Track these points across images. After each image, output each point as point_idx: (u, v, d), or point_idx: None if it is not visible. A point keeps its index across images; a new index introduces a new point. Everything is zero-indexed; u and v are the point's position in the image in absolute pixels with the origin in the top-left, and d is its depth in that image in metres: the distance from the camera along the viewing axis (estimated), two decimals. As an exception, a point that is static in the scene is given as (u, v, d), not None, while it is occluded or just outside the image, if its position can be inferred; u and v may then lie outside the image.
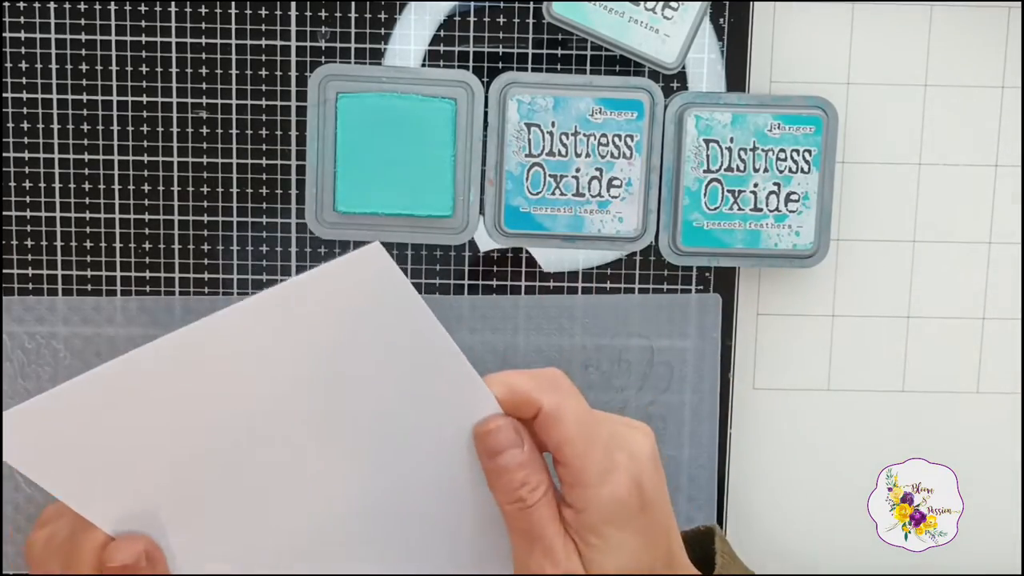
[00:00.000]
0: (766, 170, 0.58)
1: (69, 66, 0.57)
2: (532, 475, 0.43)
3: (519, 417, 0.44)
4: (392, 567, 0.46)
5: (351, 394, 0.43)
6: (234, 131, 0.58)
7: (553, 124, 0.57)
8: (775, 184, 0.58)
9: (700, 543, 0.50)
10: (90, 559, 0.43)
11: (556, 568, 0.43)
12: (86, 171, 0.58)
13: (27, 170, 0.58)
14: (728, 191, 0.58)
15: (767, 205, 0.58)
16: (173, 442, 0.42)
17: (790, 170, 0.58)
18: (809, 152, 0.58)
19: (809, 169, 0.58)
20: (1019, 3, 0.60)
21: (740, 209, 0.58)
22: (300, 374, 0.42)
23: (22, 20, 0.57)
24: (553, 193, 0.58)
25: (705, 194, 0.58)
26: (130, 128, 0.58)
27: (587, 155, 0.58)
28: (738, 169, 0.58)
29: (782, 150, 0.58)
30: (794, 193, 0.58)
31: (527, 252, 0.60)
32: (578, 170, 0.58)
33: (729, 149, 0.58)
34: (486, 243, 0.59)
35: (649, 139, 0.58)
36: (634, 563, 0.44)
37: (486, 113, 0.57)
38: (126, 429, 0.41)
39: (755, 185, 0.58)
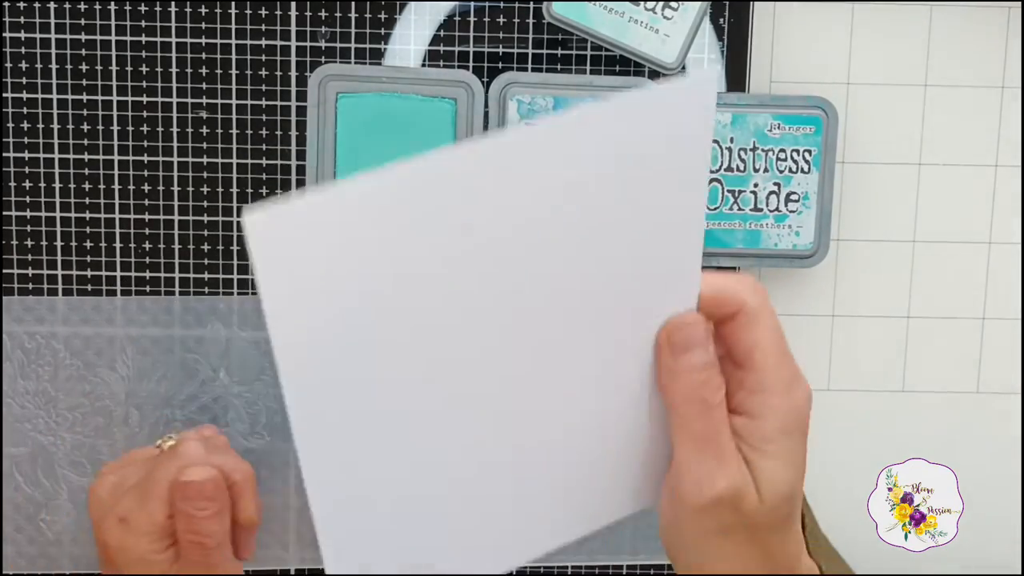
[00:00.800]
0: (766, 170, 0.58)
1: (69, 66, 0.57)
2: (714, 376, 0.42)
3: (713, 318, 0.42)
4: (543, 446, 0.41)
5: (588, 243, 0.39)
6: (234, 131, 0.58)
7: (553, 124, 0.57)
8: (775, 184, 0.58)
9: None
10: (164, 491, 0.50)
11: (726, 475, 0.41)
12: (86, 171, 0.58)
13: (27, 170, 0.58)
14: (728, 191, 0.58)
15: (767, 205, 0.58)
16: (403, 282, 0.36)
17: (790, 170, 0.58)
18: (809, 152, 0.58)
19: (809, 169, 0.58)
20: (1019, 3, 0.60)
21: (740, 209, 0.58)
22: (568, 209, 0.37)
23: (22, 20, 0.57)
24: (553, 193, 0.58)
25: (705, 194, 0.58)
26: (130, 128, 0.58)
27: (587, 155, 0.57)
28: (738, 169, 0.58)
29: (782, 150, 0.58)
30: (794, 193, 0.58)
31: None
32: (578, 170, 0.58)
33: (729, 149, 0.58)
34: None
35: (649, 139, 0.58)
36: (798, 477, 0.43)
37: (486, 113, 0.57)
38: (357, 259, 0.35)
39: (755, 185, 0.58)
